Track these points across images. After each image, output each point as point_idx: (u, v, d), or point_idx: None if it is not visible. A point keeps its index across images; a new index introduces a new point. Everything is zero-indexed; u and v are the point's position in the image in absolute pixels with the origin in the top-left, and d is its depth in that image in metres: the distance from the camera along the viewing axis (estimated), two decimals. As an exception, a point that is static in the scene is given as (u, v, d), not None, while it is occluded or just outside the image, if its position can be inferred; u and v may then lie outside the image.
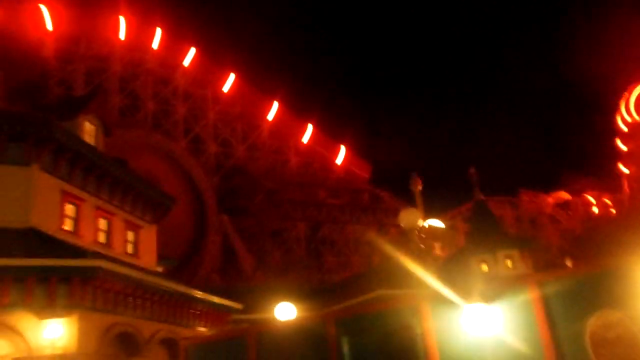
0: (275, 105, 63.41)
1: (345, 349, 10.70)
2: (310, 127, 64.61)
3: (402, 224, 12.19)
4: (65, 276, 13.90)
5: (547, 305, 8.99)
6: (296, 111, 64.82)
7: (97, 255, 14.60)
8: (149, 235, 21.81)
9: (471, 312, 9.24)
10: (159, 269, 24.09)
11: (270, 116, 63.39)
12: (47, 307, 13.79)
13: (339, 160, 65.47)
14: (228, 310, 21.09)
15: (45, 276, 13.77)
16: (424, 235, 12.63)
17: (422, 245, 12.13)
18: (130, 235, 20.50)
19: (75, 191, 17.95)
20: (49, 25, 54.19)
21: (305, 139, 64.51)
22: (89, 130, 20.01)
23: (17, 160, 16.31)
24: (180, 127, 59.42)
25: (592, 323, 8.74)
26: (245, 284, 47.48)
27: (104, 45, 57.61)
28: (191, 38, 61.15)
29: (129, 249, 20.36)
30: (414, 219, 12.36)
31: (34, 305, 13.77)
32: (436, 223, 14.27)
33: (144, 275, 16.35)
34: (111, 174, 19.30)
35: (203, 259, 55.30)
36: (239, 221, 58.21)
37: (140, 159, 53.52)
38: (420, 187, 13.45)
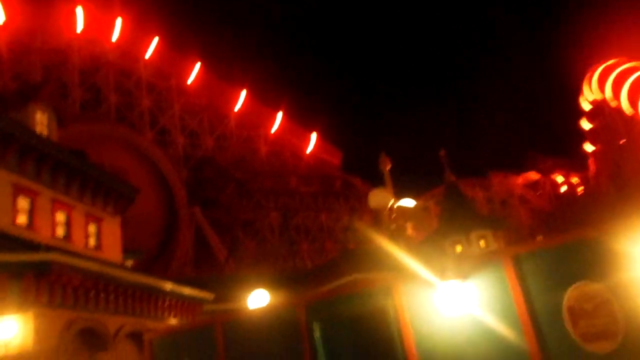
0: (243, 94, 62.52)
1: (317, 334, 10.20)
2: (279, 116, 63.95)
3: (371, 205, 11.62)
4: (17, 272, 13.08)
5: (522, 279, 8.59)
6: (264, 100, 64.11)
7: (50, 249, 13.77)
8: (112, 228, 20.92)
9: (445, 290, 8.80)
10: (129, 262, 23.30)
11: (238, 106, 62.49)
12: (-1, 305, 12.97)
13: (310, 147, 65.02)
14: (199, 301, 20.43)
15: (-6, 273, 12.94)
16: (394, 215, 12.09)
17: (393, 226, 11.57)
18: (91, 228, 19.59)
19: (28, 184, 16.97)
20: (1, 18, 52.07)
21: (275, 127, 63.86)
22: (40, 120, 19.00)
23: (-38, 153, 15.34)
24: (145, 119, 58.19)
25: (570, 295, 8.37)
26: (219, 274, 46.75)
27: (62, 37, 55.74)
28: (153, 27, 59.64)
29: (91, 242, 19.47)
30: (384, 199, 11.80)
31: (-16, 303, 12.93)
32: (407, 203, 13.72)
33: (105, 268, 15.53)
34: (67, 165, 18.34)
35: (175, 252, 54.45)
36: (211, 212, 57.47)
37: (106, 152, 52.22)
38: (389, 167, 12.88)
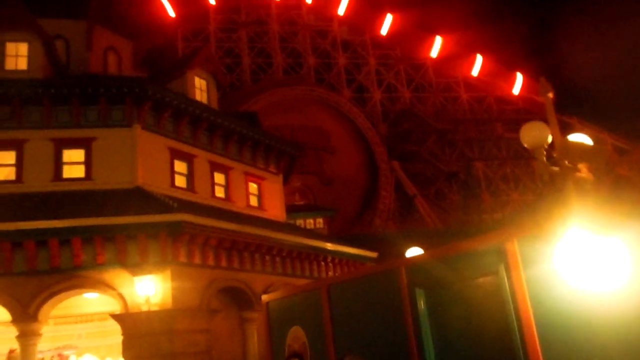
0: (438, 40, 59.42)
1: (420, 301, 8.45)
2: (479, 58, 59.40)
3: (524, 142, 9.05)
4: (154, 233, 13.59)
5: None
6: (461, 43, 59.85)
7: (182, 209, 14.00)
8: (274, 187, 21.01)
9: (571, 248, 6.24)
10: (320, 220, 23.42)
11: (434, 53, 59.69)
12: (140, 264, 13.63)
13: (516, 89, 59.35)
14: (361, 259, 19.56)
15: (134, 233, 13.60)
16: (555, 155, 9.29)
17: (553, 168, 8.91)
18: (252, 188, 19.88)
19: (184, 147, 17.68)
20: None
21: (475, 71, 59.59)
22: (199, 85, 19.65)
23: (120, 122, 16.46)
24: (342, 77, 59.10)
25: None
26: (419, 229, 45.58)
27: (262, 7, 59.11)
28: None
29: (252, 201, 19.77)
30: (541, 135, 9.09)
31: (128, 262, 13.71)
32: (580, 138, 10.68)
33: (245, 228, 15.42)
34: (222, 127, 18.69)
35: (377, 207, 54.81)
36: (412, 166, 56.51)
37: (310, 115, 54.62)
38: (551, 95, 10.00)
